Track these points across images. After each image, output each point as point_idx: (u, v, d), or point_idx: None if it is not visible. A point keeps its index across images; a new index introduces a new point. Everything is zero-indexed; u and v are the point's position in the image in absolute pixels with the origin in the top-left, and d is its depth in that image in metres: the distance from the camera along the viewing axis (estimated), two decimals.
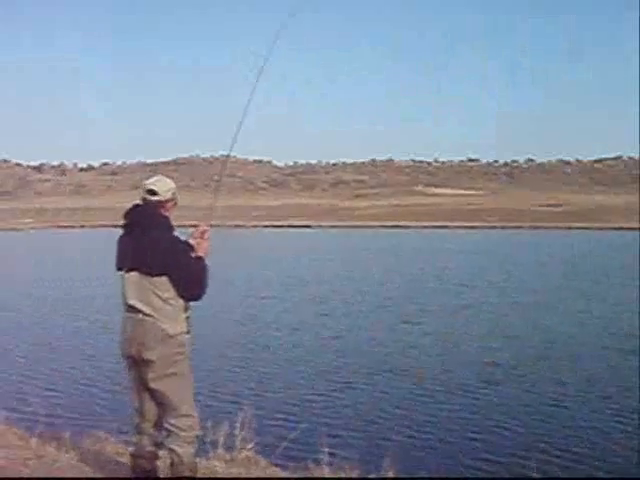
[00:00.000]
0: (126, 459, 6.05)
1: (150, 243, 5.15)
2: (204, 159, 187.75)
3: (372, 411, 12.78)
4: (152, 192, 5.28)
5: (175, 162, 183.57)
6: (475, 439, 11.22)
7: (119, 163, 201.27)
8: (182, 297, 5.20)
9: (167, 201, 5.32)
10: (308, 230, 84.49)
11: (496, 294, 28.57)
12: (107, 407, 12.63)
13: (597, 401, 13.33)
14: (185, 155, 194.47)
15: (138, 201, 5.39)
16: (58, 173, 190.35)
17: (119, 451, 6.74)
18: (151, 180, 5.39)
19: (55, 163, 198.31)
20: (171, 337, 5.13)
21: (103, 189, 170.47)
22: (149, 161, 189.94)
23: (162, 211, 5.30)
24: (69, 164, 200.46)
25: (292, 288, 30.89)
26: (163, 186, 5.33)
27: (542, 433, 11.46)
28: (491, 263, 41.94)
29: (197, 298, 5.28)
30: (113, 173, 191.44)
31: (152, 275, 5.12)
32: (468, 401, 13.49)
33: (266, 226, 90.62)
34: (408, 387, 14.50)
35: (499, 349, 17.97)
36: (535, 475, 5.92)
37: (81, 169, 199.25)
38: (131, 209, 5.38)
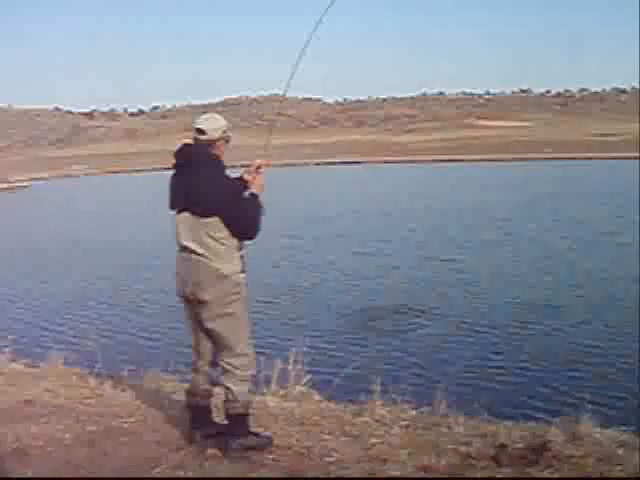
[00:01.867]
0: (180, 396, 6.19)
1: (200, 183, 5.12)
2: (253, 99, 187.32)
3: (417, 350, 12.86)
4: (201, 131, 5.22)
5: (224, 103, 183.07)
6: (511, 381, 11.25)
7: (169, 106, 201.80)
8: (235, 237, 5.18)
9: (217, 140, 5.24)
10: (359, 166, 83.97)
11: (540, 229, 28.11)
12: (164, 345, 12.94)
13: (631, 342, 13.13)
14: (234, 95, 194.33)
15: (188, 140, 5.36)
16: (109, 119, 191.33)
17: (175, 389, 6.87)
18: (201, 119, 5.32)
19: (106, 109, 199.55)
20: (226, 277, 5.14)
21: (154, 133, 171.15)
22: (198, 103, 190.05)
23: (212, 150, 5.23)
24: (119, 109, 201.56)
25: (333, 226, 30.74)
26: (212, 124, 5.25)
27: (577, 376, 11.39)
28: (541, 197, 40.98)
29: (251, 237, 5.26)
30: (163, 117, 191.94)
31: (203, 216, 5.11)
32: (502, 340, 13.47)
33: (317, 163, 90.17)
34: (443, 326, 14.48)
35: (534, 287, 17.68)
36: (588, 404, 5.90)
37: (131, 114, 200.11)
38: (180, 149, 5.36)
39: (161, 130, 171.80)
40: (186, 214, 5.19)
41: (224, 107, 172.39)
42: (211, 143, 5.24)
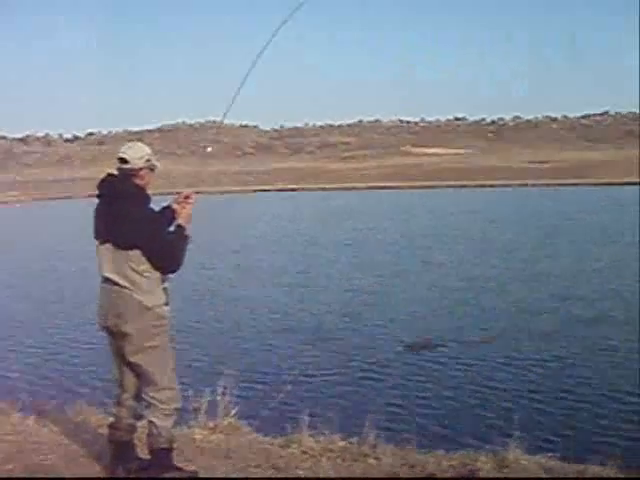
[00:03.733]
0: (106, 430, 6.04)
1: (121, 215, 5.03)
2: (190, 126, 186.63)
3: (344, 382, 12.85)
4: (123, 160, 5.13)
5: (161, 129, 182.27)
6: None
7: (105, 132, 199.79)
8: (157, 269, 5.09)
9: (140, 169, 5.15)
10: (295, 193, 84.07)
11: (464, 257, 27.76)
12: (92, 378, 12.68)
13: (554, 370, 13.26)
14: (171, 122, 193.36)
15: (113, 170, 5.26)
16: (44, 144, 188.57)
17: (101, 422, 6.70)
18: (124, 147, 5.23)
19: (40, 135, 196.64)
20: (149, 309, 5.05)
21: (89, 159, 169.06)
22: (135, 129, 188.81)
23: (136, 180, 5.15)
24: (54, 135, 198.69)
25: (254, 256, 30.42)
26: (135, 153, 5.16)
27: (504, 405, 11.39)
28: (472, 223, 40.99)
29: (172, 271, 5.19)
30: (99, 143, 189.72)
31: (124, 248, 5.03)
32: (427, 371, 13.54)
33: (254, 190, 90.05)
34: (366, 358, 14.42)
35: (451, 318, 17.55)
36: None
37: (66, 140, 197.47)
38: (104, 179, 5.25)
39: (97, 156, 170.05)
40: (108, 245, 5.11)
41: (161, 133, 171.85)
42: (135, 172, 5.16)
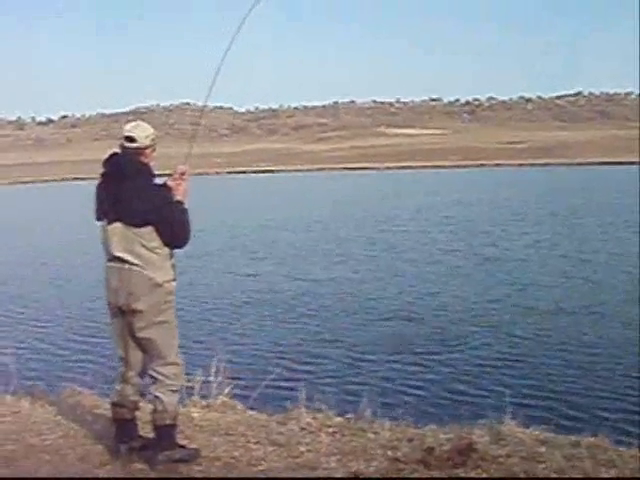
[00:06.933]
0: (103, 411, 6.06)
1: (132, 193, 5.06)
2: (164, 108, 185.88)
3: (336, 359, 12.88)
4: (130, 139, 5.16)
5: (135, 112, 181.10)
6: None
7: (78, 115, 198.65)
8: (167, 245, 5.16)
9: (146, 147, 5.21)
10: (270, 175, 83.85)
11: (423, 239, 27.48)
12: (81, 360, 12.66)
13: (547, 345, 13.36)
14: (145, 104, 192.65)
15: (116, 149, 5.27)
16: (16, 128, 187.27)
17: (96, 403, 6.73)
18: (129, 126, 5.27)
19: (12, 118, 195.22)
20: (160, 285, 5.12)
21: (63, 142, 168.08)
22: (108, 112, 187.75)
23: (142, 158, 5.19)
24: (27, 118, 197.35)
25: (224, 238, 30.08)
26: (142, 132, 5.21)
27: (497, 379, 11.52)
28: (438, 205, 40.57)
29: (183, 245, 5.27)
30: (72, 126, 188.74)
31: (137, 226, 5.06)
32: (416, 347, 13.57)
33: (229, 172, 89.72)
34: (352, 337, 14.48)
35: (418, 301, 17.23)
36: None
37: (39, 123, 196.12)
38: (109, 157, 5.27)
39: (71, 139, 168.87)
40: (117, 224, 5.11)
41: (135, 116, 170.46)
42: (141, 151, 5.20)
